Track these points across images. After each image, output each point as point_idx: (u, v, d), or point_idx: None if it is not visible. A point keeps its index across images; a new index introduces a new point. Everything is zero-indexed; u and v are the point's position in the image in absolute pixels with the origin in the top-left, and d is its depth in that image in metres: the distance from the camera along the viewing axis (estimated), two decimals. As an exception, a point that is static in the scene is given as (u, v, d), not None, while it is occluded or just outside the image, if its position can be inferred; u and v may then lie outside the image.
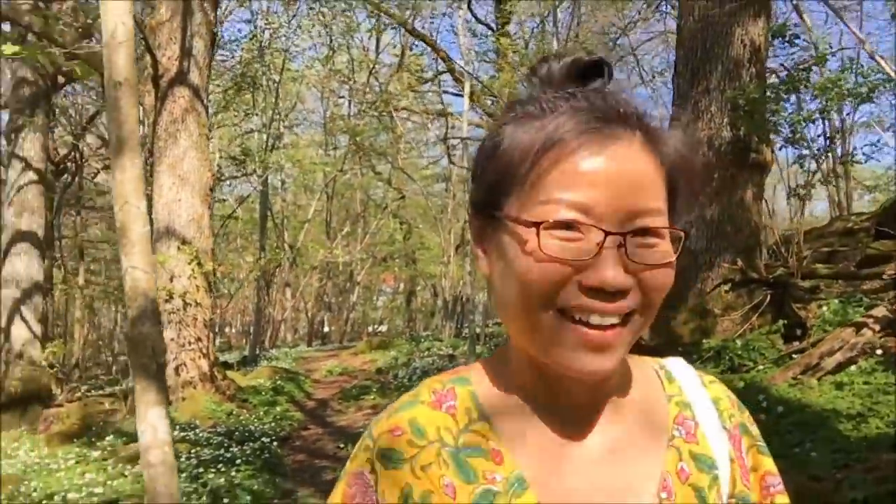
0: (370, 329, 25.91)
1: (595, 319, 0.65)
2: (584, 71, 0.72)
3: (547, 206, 0.65)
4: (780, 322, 6.18)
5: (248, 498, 5.24)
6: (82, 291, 13.09)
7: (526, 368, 0.73)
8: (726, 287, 6.62)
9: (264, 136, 14.82)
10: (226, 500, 5.10)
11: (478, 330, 10.97)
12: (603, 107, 0.68)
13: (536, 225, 0.65)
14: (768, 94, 6.57)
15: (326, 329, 24.09)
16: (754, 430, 0.80)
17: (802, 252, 6.61)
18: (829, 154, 8.78)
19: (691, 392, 0.79)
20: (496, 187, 0.70)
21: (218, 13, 10.47)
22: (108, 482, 5.89)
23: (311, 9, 15.17)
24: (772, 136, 6.71)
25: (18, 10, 7.56)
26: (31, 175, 10.69)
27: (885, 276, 5.78)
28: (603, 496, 0.70)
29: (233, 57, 14.30)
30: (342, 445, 7.12)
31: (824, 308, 5.89)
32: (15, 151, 10.98)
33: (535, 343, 0.68)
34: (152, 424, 1.80)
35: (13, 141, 11.02)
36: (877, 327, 4.69)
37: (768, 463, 0.78)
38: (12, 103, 11.44)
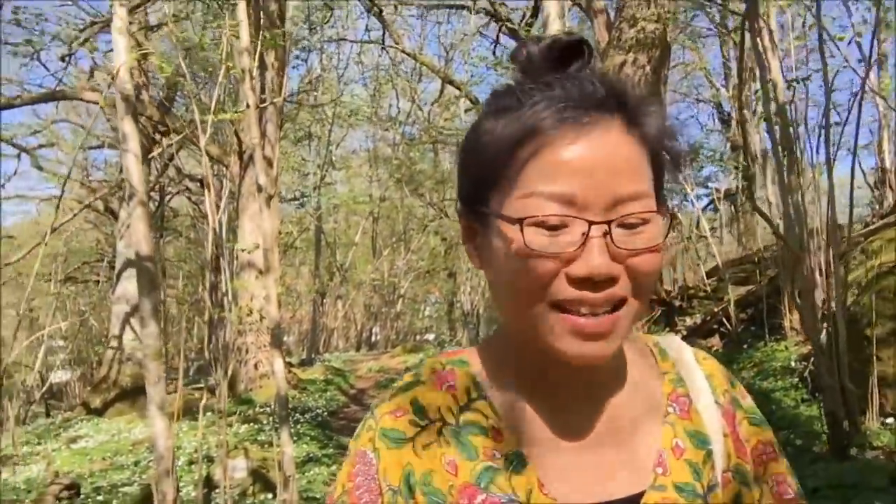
0: (417, 337, 29.68)
1: (585, 310, 0.68)
2: (563, 52, 0.74)
3: (529, 199, 0.69)
4: (667, 329, 9.57)
5: (308, 438, 8.97)
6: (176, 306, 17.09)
7: (522, 352, 0.77)
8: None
9: (318, 175, 18.81)
10: (295, 439, 8.83)
11: (483, 335, 14.68)
12: (578, 93, 0.71)
13: (520, 222, 0.68)
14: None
15: (376, 337, 27.93)
16: (746, 402, 0.85)
17: (687, 283, 9.99)
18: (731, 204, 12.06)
19: (685, 368, 0.83)
20: (480, 183, 0.74)
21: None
22: (214, 437, 9.66)
23: (357, 63, 19.02)
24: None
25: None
26: (138, 214, 14.63)
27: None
28: (599, 472, 0.75)
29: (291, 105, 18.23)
30: (371, 415, 10.88)
31: (687, 319, 9.29)
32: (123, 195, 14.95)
33: (531, 334, 0.72)
34: (277, 367, 5.39)
35: (122, 188, 15.01)
36: (685, 332, 8.09)
37: (761, 432, 0.83)
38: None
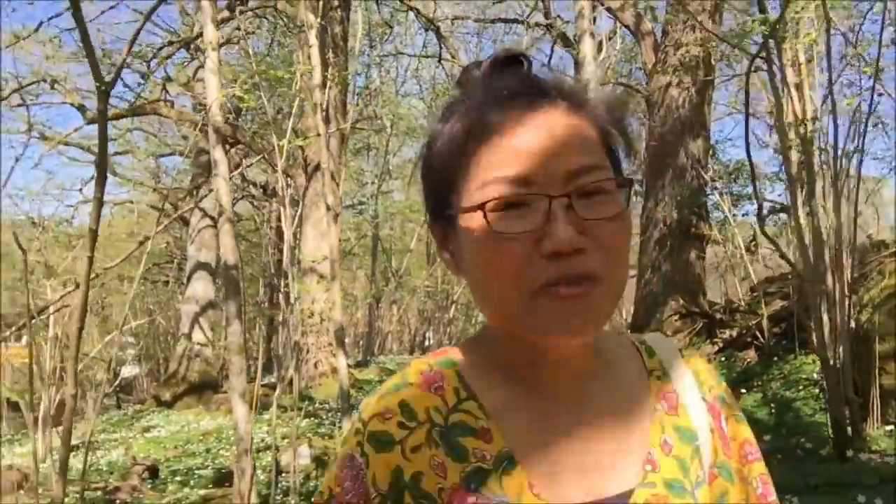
0: (470, 342, 30.32)
1: (563, 291, 0.68)
2: (502, 67, 0.77)
3: (487, 188, 0.70)
4: (707, 340, 10.03)
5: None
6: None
7: (508, 348, 0.77)
8: (676, 317, 10.48)
9: (375, 183, 19.71)
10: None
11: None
12: (519, 84, 0.74)
13: (481, 207, 0.69)
14: (708, 188, 10.46)
15: (429, 342, 28.71)
16: (731, 400, 0.86)
17: (730, 297, 10.42)
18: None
19: (671, 365, 0.84)
20: (441, 187, 0.76)
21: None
22: (278, 429, 10.50)
23: (414, 77, 19.83)
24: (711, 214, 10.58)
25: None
26: (208, 220, 15.45)
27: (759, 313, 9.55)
28: (589, 471, 0.75)
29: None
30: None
31: (727, 332, 9.74)
32: (197, 204, 15.90)
33: (514, 321, 0.72)
34: (340, 364, 6.14)
35: (194, 195, 15.96)
36: (721, 344, 8.56)
37: (745, 431, 0.84)
38: (194, 167, 16.52)
